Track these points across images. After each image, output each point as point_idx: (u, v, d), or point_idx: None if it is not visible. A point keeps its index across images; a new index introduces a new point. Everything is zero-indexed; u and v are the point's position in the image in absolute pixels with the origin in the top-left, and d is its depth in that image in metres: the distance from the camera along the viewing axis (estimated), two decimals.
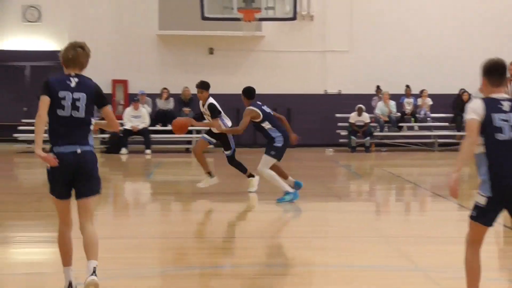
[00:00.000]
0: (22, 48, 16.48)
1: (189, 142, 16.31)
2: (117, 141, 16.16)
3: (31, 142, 15.47)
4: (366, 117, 16.11)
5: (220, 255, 6.66)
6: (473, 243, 3.71)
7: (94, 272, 4.29)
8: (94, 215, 4.56)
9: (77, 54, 4.27)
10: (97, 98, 4.31)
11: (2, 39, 16.43)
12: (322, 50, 16.56)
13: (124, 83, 16.86)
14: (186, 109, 16.51)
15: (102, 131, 14.01)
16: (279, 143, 8.34)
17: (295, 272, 5.79)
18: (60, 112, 4.16)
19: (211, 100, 9.21)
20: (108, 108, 4.48)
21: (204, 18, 14.69)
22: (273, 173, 8.48)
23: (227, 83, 15.94)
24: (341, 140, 16.17)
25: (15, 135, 15.56)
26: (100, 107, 4.32)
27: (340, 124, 16.24)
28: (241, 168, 9.30)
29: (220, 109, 9.13)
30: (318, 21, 16.50)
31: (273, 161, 8.49)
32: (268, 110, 8.59)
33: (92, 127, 4.35)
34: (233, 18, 14.95)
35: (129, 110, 16.42)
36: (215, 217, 9.43)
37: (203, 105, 9.29)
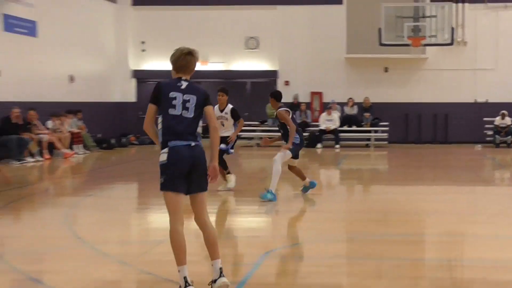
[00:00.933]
0: (244, 68, 32.11)
1: (368, 139, 30.76)
2: (315, 138, 30.39)
3: (250, 138, 30.75)
4: (508, 120, 29.01)
5: (392, 227, 12.14)
6: None
7: (221, 273, 6.98)
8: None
9: (188, 61, 7.35)
10: (205, 100, 7.21)
11: (230, 62, 32.02)
12: (473, 68, 30.54)
13: (319, 94, 31.27)
14: (367, 114, 30.33)
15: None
16: (296, 141, 13.99)
17: (450, 240, 10.93)
18: (171, 111, 7.00)
19: (230, 105, 15.16)
20: (211, 108, 7.32)
21: (381, 44, 28.60)
22: (279, 170, 14.06)
23: (398, 94, 30.59)
24: (487, 139, 29.65)
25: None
26: (203, 106, 7.23)
27: (486, 125, 29.75)
28: (224, 166, 14.95)
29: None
30: (470, 46, 30.37)
31: (289, 156, 14.08)
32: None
33: (200, 129, 7.22)
34: (404, 44, 28.65)
35: (323, 115, 29.87)
36: (389, 197, 16.28)
37: (222, 110, 15.05)
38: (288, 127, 13.97)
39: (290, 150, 14.03)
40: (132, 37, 33.52)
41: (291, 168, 14.66)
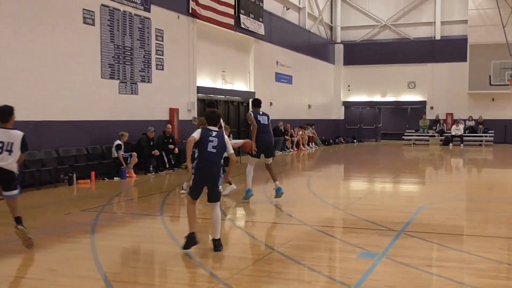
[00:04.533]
0: (407, 99, 33.49)
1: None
2: (448, 140, 33.30)
3: (409, 140, 31.94)
4: None
5: (496, 192, 15.71)
6: None
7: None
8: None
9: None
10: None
11: (398, 96, 33.43)
12: None
13: (451, 114, 31.84)
14: (481, 126, 32.67)
15: None
16: (257, 142, 10.02)
17: None
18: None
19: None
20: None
21: (491, 84, 29.83)
22: (250, 170, 10.18)
23: (500, 114, 30.74)
24: None
25: (402, 137, 32.54)
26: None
27: None
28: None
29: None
30: None
31: (253, 159, 10.17)
32: (261, 119, 10.06)
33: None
34: (505, 84, 29.17)
35: (454, 126, 31.87)
36: (493, 174, 17.41)
37: None
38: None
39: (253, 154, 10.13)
40: (343, 83, 35.53)
41: (266, 166, 10.48)
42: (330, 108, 34.48)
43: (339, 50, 35.36)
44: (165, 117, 17.94)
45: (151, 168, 15.75)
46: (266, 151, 10.23)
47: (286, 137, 25.48)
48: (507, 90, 30.56)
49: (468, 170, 19.57)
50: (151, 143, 15.99)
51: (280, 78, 27.06)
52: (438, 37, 33.65)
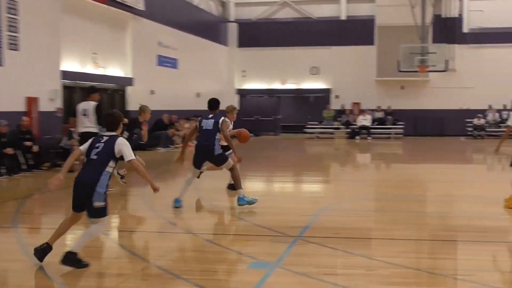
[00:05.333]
0: (309, 87, 34.49)
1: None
2: (354, 132, 35.05)
3: (312, 133, 32.58)
4: (482, 121, 32.02)
5: (406, 190, 15.06)
6: None
7: None
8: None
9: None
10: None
11: (299, 83, 34.37)
12: (460, 86, 32.11)
13: (358, 104, 33.46)
14: (389, 117, 34.73)
15: None
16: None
17: (446, 199, 11.08)
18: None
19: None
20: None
21: (399, 71, 30.19)
22: (188, 179, 10.24)
23: (410, 104, 32.23)
24: (468, 133, 31.40)
25: (304, 130, 32.77)
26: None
27: (468, 124, 31.55)
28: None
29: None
30: (458, 72, 32.03)
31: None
32: (203, 124, 9.98)
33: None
34: (414, 71, 30.05)
35: (361, 117, 33.91)
36: (404, 171, 20.64)
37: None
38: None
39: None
40: (237, 68, 35.86)
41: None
42: (223, 97, 33.28)
43: (232, 29, 35.67)
44: (21, 108, 17.16)
45: (3, 170, 14.98)
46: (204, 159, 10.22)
47: (173, 130, 25.18)
48: (417, 77, 32.16)
49: (376, 166, 20.53)
50: (2, 140, 15.23)
51: (164, 61, 27.04)
52: (343, 17, 34.84)
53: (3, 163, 15.17)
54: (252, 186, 14.45)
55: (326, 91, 34.89)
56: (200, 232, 8.38)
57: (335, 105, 34.51)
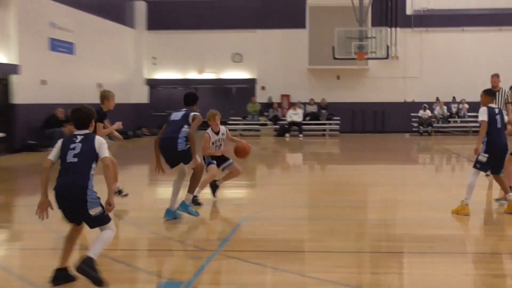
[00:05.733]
0: (231, 77, 34.63)
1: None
2: (284, 129, 35.19)
3: (235, 130, 31.89)
4: (428, 113, 32.25)
5: (342, 195, 17.82)
6: None
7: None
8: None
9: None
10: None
11: (220, 73, 34.59)
12: (403, 76, 33.46)
13: (288, 96, 34.16)
14: (324, 111, 35.02)
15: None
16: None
17: (386, 205, 15.00)
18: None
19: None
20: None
21: (335, 58, 30.42)
22: (174, 182, 10.05)
23: (347, 96, 32.93)
24: (413, 129, 32.56)
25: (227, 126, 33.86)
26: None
27: (413, 119, 32.73)
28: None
29: None
30: (401, 59, 33.27)
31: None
32: (172, 116, 9.91)
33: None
34: (352, 58, 30.40)
35: (290, 111, 34.93)
36: (340, 173, 21.98)
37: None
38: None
39: None
40: (146, 54, 35.56)
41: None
42: (129, 88, 34.09)
43: (140, 9, 35.37)
44: None
45: None
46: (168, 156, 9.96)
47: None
48: (354, 66, 32.77)
49: (308, 167, 20.74)
50: None
51: (57, 46, 26.59)
52: None
53: None
54: (163, 192, 14.25)
55: (251, 82, 35.10)
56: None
57: (261, 97, 34.69)
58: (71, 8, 27.50)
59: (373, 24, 32.87)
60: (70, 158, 6.31)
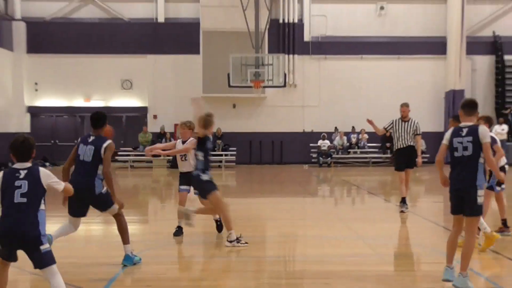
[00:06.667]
0: (120, 105, 34.27)
1: None
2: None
3: (125, 161, 32.86)
4: (327, 142, 32.76)
5: (239, 231, 18.12)
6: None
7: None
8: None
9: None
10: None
11: (108, 100, 34.27)
12: (302, 105, 34.07)
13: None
14: (219, 141, 34.45)
15: None
16: None
17: (284, 240, 11.69)
18: None
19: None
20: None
21: (230, 86, 30.01)
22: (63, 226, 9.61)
23: (244, 125, 33.29)
24: (313, 160, 33.28)
25: (117, 157, 32.28)
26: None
27: (312, 150, 33.33)
28: None
29: None
30: (299, 87, 33.97)
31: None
32: (79, 152, 9.13)
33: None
34: (248, 86, 30.08)
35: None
36: (236, 207, 20.94)
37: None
38: None
39: None
40: (27, 79, 34.85)
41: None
42: (8, 116, 33.26)
43: (19, 30, 34.69)
44: None
45: None
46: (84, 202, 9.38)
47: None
48: (251, 94, 33.07)
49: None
50: None
51: None
52: (161, 20, 35.25)
53: None
54: (48, 228, 13.83)
55: (142, 110, 35.17)
56: None
57: (153, 127, 34.49)
58: None
59: (270, 51, 33.26)
60: (17, 198, 6.36)
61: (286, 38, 34.83)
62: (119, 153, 33.34)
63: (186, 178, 11.43)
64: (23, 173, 6.40)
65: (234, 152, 33.57)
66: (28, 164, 6.55)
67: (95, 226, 14.33)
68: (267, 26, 32.34)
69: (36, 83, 34.93)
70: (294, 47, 34.67)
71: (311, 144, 34.31)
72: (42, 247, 6.39)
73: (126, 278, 8.58)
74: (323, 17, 35.11)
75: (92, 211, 9.51)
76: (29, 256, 6.45)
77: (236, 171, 30.55)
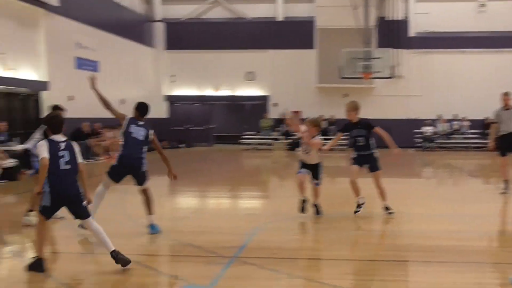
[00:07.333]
0: (245, 94, 34.99)
1: None
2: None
3: (249, 144, 33.29)
4: (430, 129, 32.26)
5: (353, 207, 21.33)
6: None
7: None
8: None
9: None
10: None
11: (234, 89, 34.93)
12: (406, 94, 33.57)
13: (298, 112, 36.46)
14: (332, 127, 35.61)
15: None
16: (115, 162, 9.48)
17: (392, 217, 11.07)
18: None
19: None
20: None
21: (342, 77, 30.62)
22: (99, 192, 9.52)
23: None
24: (417, 145, 32.71)
25: (240, 141, 33.62)
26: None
27: (416, 136, 32.79)
28: None
29: None
30: (404, 79, 33.38)
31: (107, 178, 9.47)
32: (132, 129, 9.37)
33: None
34: (358, 77, 30.53)
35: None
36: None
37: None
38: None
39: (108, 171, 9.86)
40: (165, 72, 35.92)
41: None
42: (150, 104, 34.16)
43: (159, 30, 35.66)
44: None
45: None
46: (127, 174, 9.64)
47: (94, 140, 24.88)
48: (361, 85, 32.85)
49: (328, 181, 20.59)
50: None
51: (83, 64, 26.78)
52: (280, 18, 35.31)
53: None
54: (182, 202, 14.40)
55: (263, 99, 35.37)
56: (126, 253, 8.22)
57: (273, 113, 34.76)
58: (95, 29, 27.78)
59: (379, 46, 32.90)
60: (62, 165, 7.02)
61: (393, 33, 34.14)
62: (244, 136, 33.77)
63: (305, 166, 11.05)
64: (62, 145, 6.99)
65: (346, 137, 33.18)
66: (63, 138, 7.14)
67: (224, 200, 14.70)
68: (376, 23, 32.35)
69: (172, 75, 35.90)
70: (400, 42, 34.00)
71: (415, 130, 33.63)
72: (83, 203, 7.17)
73: (254, 246, 8.73)
74: (426, 14, 34.18)
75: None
76: (73, 211, 7.20)
77: (347, 154, 30.24)
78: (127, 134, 9.53)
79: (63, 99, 23.94)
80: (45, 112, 22.72)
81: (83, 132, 24.64)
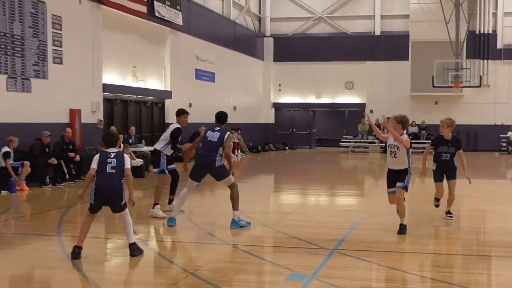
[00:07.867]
0: (344, 102, 34.76)
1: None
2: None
3: (347, 147, 33.35)
4: None
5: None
6: None
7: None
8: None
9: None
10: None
11: (334, 97, 34.75)
12: (493, 102, 32.59)
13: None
14: (423, 131, 35.06)
15: None
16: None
17: (478, 215, 11.14)
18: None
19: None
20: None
21: (434, 86, 30.40)
22: (183, 194, 9.61)
23: None
24: (502, 148, 31.66)
25: (339, 144, 33.75)
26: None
27: (502, 140, 31.78)
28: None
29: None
30: (492, 88, 32.46)
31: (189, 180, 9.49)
32: (208, 135, 9.40)
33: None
34: (449, 86, 30.25)
35: None
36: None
37: None
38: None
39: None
40: (273, 82, 36.22)
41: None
42: (259, 111, 34.84)
43: (268, 44, 35.94)
44: (65, 119, 17.52)
45: (48, 180, 15.29)
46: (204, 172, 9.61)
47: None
48: (451, 93, 32.13)
49: (411, 181, 20.26)
50: (47, 150, 15.54)
51: (201, 75, 27.24)
52: (378, 33, 35.02)
53: (48, 173, 15.47)
54: (287, 198, 14.56)
55: (361, 106, 35.06)
56: (237, 244, 8.43)
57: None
58: (213, 44, 28.36)
59: (468, 57, 32.15)
60: (109, 169, 7.36)
61: (482, 46, 33.15)
62: (342, 140, 33.63)
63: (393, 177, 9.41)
64: (112, 155, 7.43)
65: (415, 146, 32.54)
66: (116, 150, 7.57)
67: (324, 197, 14.75)
68: (466, 36, 31.59)
69: (279, 85, 36.13)
70: (488, 53, 33.01)
71: (501, 135, 32.61)
72: (122, 202, 7.41)
73: (352, 240, 8.70)
74: None
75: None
76: (112, 206, 7.46)
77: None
78: (203, 138, 9.58)
79: (183, 106, 24.66)
80: (169, 117, 23.51)
81: (199, 135, 25.11)
